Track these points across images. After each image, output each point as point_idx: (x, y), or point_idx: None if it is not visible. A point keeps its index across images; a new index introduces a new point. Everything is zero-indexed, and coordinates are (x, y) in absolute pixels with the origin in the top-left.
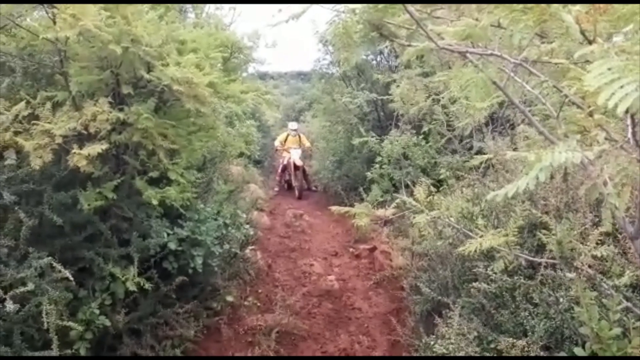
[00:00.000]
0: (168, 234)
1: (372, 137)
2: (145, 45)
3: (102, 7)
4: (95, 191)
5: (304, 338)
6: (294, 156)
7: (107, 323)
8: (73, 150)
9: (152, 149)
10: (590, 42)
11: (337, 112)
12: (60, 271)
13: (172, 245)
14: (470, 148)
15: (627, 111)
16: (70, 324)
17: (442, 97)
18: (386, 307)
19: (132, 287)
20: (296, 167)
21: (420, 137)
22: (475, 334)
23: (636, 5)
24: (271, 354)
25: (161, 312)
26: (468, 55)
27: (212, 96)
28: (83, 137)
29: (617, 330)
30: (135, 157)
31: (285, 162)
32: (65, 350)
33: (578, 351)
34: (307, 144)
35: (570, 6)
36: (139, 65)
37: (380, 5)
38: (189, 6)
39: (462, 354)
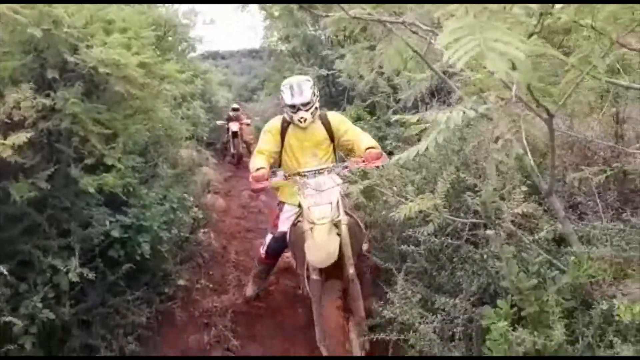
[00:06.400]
0: (111, 222)
1: None
2: (67, 27)
3: None
4: (28, 182)
5: (261, 316)
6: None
7: (52, 316)
8: None
9: (84, 135)
10: None
11: None
12: None
13: (116, 233)
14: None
15: (514, 69)
16: (12, 319)
17: (385, 70)
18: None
19: (75, 279)
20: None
21: (366, 110)
22: (419, 296)
23: None
24: (228, 333)
25: (111, 301)
26: (388, 24)
27: (145, 77)
28: (9, 126)
29: (534, 282)
30: (69, 145)
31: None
32: (8, 345)
33: (501, 303)
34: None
35: None
36: (64, 48)
37: None
38: None
39: (407, 316)
